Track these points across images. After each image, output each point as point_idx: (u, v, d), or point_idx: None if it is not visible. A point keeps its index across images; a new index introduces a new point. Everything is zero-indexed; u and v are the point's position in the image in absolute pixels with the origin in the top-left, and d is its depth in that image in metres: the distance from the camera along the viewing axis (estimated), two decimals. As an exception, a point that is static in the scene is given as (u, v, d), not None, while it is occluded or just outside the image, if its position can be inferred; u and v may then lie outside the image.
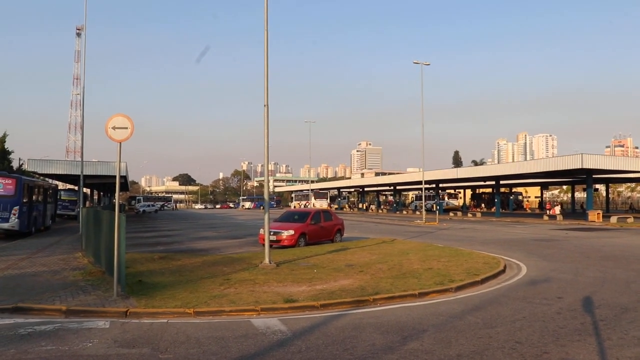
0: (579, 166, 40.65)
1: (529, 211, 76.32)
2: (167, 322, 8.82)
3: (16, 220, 24.57)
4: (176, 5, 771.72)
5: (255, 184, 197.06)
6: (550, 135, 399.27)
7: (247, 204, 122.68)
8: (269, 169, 16.89)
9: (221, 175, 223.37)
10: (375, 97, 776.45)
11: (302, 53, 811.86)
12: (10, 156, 64.88)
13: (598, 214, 43.45)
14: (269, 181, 17.40)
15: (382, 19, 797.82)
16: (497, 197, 58.98)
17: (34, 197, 27.65)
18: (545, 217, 48.71)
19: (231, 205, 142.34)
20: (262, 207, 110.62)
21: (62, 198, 46.12)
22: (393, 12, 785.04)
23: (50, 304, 9.89)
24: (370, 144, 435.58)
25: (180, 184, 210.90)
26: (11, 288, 11.65)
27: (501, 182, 61.63)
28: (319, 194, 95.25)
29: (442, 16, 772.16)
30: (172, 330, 8.25)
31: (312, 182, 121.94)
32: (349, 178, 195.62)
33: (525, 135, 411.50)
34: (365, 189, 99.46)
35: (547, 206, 55.78)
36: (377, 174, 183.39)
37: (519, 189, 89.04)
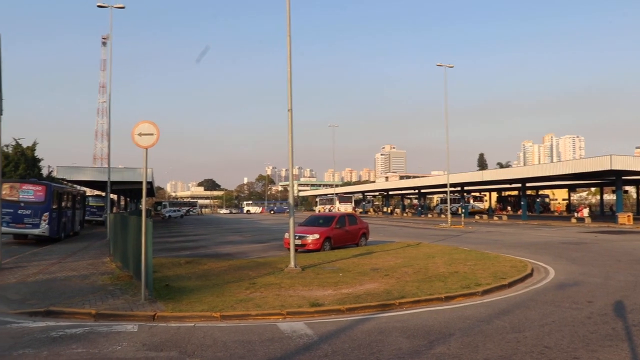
0: (607, 168, 39.96)
1: (557, 214, 75.22)
2: (194, 326, 8.90)
3: (46, 226, 25.00)
4: (198, 10, 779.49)
5: (280, 188, 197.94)
6: (578, 137, 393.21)
7: (254, 209, 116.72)
8: (293, 173, 16.94)
9: (246, 180, 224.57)
10: (398, 100, 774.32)
11: (325, 56, 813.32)
12: (40, 164, 66.31)
13: (628, 216, 42.65)
14: (293, 185, 17.44)
15: (404, 20, 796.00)
16: (524, 200, 58.25)
17: (63, 203, 28.11)
18: (573, 220, 47.99)
19: (233, 210, 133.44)
20: (272, 212, 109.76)
21: (90, 204, 46.80)
22: (415, 13, 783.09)
23: (80, 308, 10.06)
24: (394, 148, 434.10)
25: (205, 189, 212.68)
26: (43, 292, 11.88)
27: (527, 184, 60.87)
28: (344, 198, 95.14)
29: (465, 17, 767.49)
30: (199, 334, 8.32)
31: (337, 186, 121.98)
32: (373, 182, 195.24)
33: (552, 137, 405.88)
34: (390, 193, 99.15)
35: (579, 209, 54.76)
36: (401, 178, 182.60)
37: (546, 192, 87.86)
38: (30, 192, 25.00)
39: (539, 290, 12.27)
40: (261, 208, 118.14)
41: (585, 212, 50.69)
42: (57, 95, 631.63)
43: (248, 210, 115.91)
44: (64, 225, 28.43)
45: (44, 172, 67.41)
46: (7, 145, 61.81)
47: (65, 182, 44.39)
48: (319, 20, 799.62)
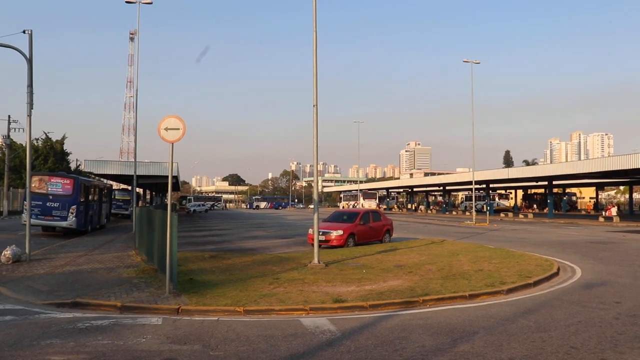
0: (637, 166, 39.19)
1: (584, 212, 74.04)
2: (218, 320, 8.96)
3: (74, 219, 25.40)
4: (223, 6, 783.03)
5: (304, 184, 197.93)
6: (606, 134, 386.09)
7: (263, 204, 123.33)
8: (318, 169, 16.93)
9: (270, 176, 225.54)
10: (424, 96, 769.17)
11: (350, 52, 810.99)
12: (69, 157, 67.56)
13: (658, 215, 41.76)
14: (318, 181, 17.44)
15: (430, 17, 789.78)
16: (550, 198, 57.43)
17: (90, 196, 28.52)
18: (601, 219, 47.21)
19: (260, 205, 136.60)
20: (280, 207, 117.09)
21: (116, 198, 47.41)
22: (441, 10, 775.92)
23: (106, 300, 10.20)
24: (419, 144, 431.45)
25: (229, 184, 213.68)
26: (70, 284, 12.09)
27: (554, 182, 60.02)
28: (368, 194, 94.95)
29: (492, 14, 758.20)
30: (222, 328, 8.38)
31: (361, 182, 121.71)
32: (398, 178, 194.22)
33: (580, 135, 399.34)
34: (414, 190, 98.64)
35: (608, 207, 53.73)
36: (426, 174, 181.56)
37: (573, 190, 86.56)
38: (59, 185, 25.43)
39: (565, 289, 12.10)
40: (270, 204, 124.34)
41: (614, 211, 49.82)
42: (86, 90, 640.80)
43: (257, 206, 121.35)
44: (91, 218, 28.86)
45: (72, 165, 68.81)
46: (37, 139, 63.26)
47: (92, 176, 45.01)
48: (346, 16, 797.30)
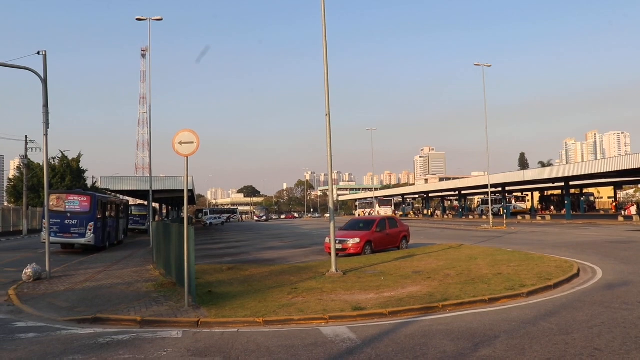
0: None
1: (602, 213, 73.16)
2: (238, 332, 8.97)
3: (92, 235, 25.60)
4: (233, 17, 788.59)
5: (319, 193, 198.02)
6: (623, 133, 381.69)
7: (256, 217, 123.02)
8: (333, 177, 16.93)
9: (285, 186, 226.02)
10: (436, 101, 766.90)
11: (363, 59, 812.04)
12: (85, 174, 68.33)
13: (678, 213, 41.19)
14: (333, 190, 17.44)
15: (439, 21, 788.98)
16: (567, 199, 56.91)
17: (107, 213, 28.75)
18: (620, 218, 46.66)
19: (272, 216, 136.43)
20: (268, 220, 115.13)
21: (133, 213, 47.71)
22: (450, 13, 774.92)
23: (126, 315, 10.26)
24: (433, 149, 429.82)
25: (245, 196, 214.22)
26: (90, 300, 12.18)
27: (571, 183, 59.48)
28: (383, 201, 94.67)
29: (501, 16, 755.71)
30: (242, 340, 8.38)
31: (376, 189, 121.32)
32: (413, 184, 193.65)
33: (595, 134, 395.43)
34: (430, 195, 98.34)
35: (627, 207, 53.04)
36: (441, 179, 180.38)
37: (590, 190, 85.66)
38: (76, 203, 25.67)
39: (586, 290, 11.96)
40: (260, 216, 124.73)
41: (633, 209, 49.26)
42: (100, 107, 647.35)
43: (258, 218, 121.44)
44: (109, 234, 29.07)
45: (89, 182, 69.56)
46: (53, 158, 64.05)
47: (108, 192, 45.40)
48: (355, 23, 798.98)
